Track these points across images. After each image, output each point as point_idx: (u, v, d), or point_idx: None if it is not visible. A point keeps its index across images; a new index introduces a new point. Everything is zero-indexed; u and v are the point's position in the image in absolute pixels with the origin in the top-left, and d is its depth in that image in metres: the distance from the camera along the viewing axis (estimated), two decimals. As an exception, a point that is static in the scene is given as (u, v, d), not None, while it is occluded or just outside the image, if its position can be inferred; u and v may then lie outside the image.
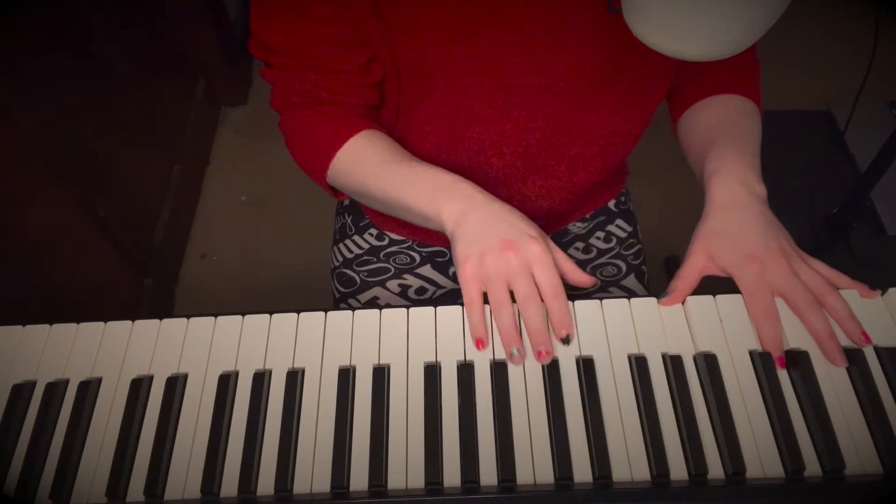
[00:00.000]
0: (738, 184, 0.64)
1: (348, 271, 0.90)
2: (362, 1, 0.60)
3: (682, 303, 0.60)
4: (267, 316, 0.61)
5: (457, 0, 0.59)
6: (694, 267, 0.62)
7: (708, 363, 0.56)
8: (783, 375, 0.56)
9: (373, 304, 0.88)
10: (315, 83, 0.67)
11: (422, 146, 0.73)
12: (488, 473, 0.52)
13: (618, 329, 0.59)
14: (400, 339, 0.59)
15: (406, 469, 0.52)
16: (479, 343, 0.57)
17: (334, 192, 0.73)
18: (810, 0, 1.99)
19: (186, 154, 1.74)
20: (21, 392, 0.57)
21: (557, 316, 0.57)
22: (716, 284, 0.62)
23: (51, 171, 1.18)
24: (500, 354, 0.58)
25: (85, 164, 1.28)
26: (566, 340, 0.57)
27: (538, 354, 0.56)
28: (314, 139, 0.69)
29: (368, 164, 0.67)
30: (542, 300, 0.57)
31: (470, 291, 0.58)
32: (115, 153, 1.42)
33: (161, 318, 0.61)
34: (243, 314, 0.61)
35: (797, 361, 0.56)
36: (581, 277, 0.60)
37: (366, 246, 0.90)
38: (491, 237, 0.58)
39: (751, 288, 0.59)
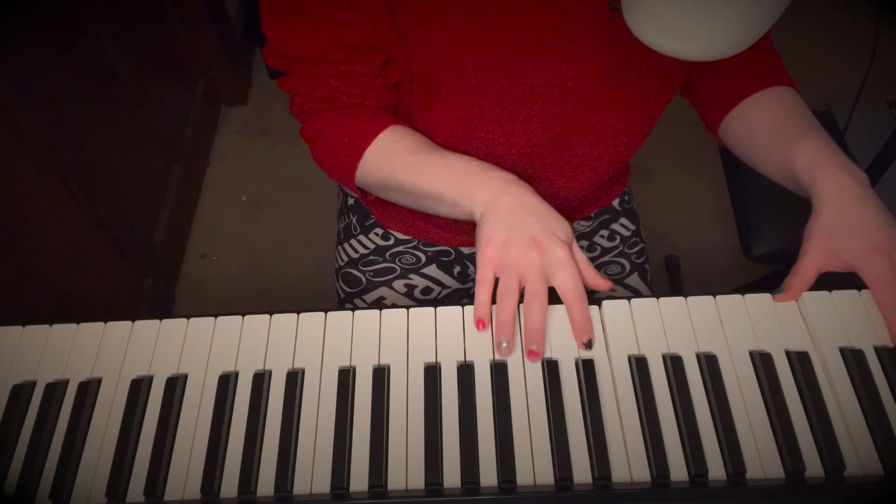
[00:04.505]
0: (845, 174, 0.62)
1: (354, 271, 0.90)
2: (378, 3, 0.60)
3: (686, 302, 0.60)
4: (267, 316, 0.61)
5: (465, 1, 0.59)
6: (812, 264, 0.61)
7: (708, 363, 0.56)
8: (784, 376, 0.56)
9: (379, 304, 0.88)
10: (335, 88, 0.67)
11: None
12: (488, 474, 0.52)
13: (618, 329, 0.59)
14: (400, 339, 0.59)
15: (406, 470, 0.52)
16: (480, 323, 0.58)
17: (363, 193, 0.73)
18: (810, 0, 1.99)
19: (186, 154, 1.73)
20: (21, 392, 0.57)
21: (580, 319, 0.57)
22: (716, 285, 0.61)
23: (51, 171, 1.18)
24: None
25: (85, 164, 1.28)
26: (588, 345, 0.57)
27: (530, 353, 0.56)
28: (341, 140, 0.69)
29: (398, 157, 0.67)
30: (566, 302, 0.58)
31: (484, 271, 0.58)
32: (115, 153, 1.41)
33: (161, 319, 0.61)
34: (243, 314, 0.61)
35: (798, 362, 0.56)
36: (598, 282, 0.61)
37: (371, 246, 0.90)
38: (520, 229, 0.58)
39: (880, 280, 0.59)
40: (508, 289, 0.57)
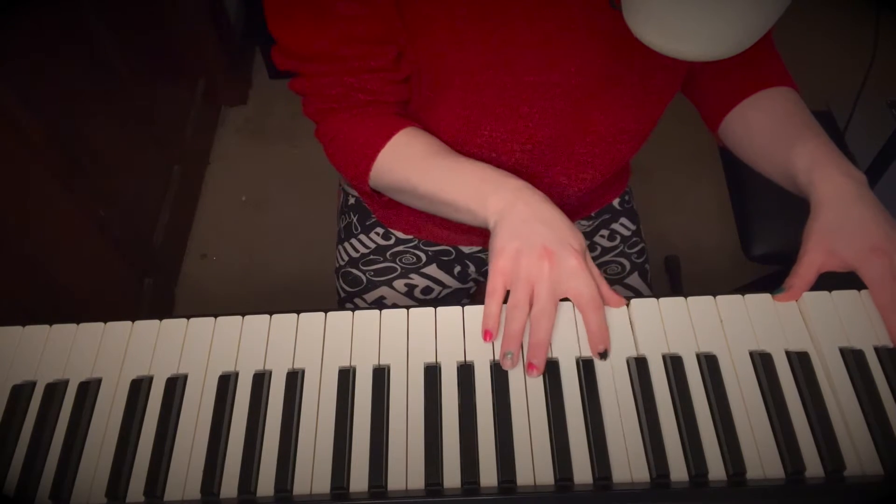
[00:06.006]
0: (843, 175, 0.63)
1: (354, 270, 0.90)
2: (386, 0, 0.60)
3: (686, 302, 0.60)
4: (267, 316, 0.61)
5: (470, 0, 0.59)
6: (811, 264, 0.61)
7: (708, 363, 0.56)
8: (784, 376, 0.56)
9: (379, 303, 0.88)
10: (350, 85, 0.66)
11: None
12: (488, 474, 0.52)
13: (618, 330, 0.59)
14: (400, 339, 0.59)
15: (406, 470, 0.52)
16: (487, 335, 0.57)
17: (377, 195, 0.73)
18: (810, 0, 1.99)
19: (186, 154, 1.73)
20: (21, 392, 0.57)
21: (596, 328, 0.57)
22: (716, 285, 0.61)
23: (51, 171, 1.18)
24: (501, 355, 0.58)
25: (85, 165, 1.28)
26: (603, 355, 0.57)
27: (530, 366, 0.56)
28: (355, 142, 0.68)
29: (412, 161, 0.66)
30: (581, 311, 0.58)
31: (494, 282, 0.58)
32: (115, 153, 1.41)
33: (161, 319, 0.61)
34: (243, 314, 0.61)
35: (798, 362, 0.56)
36: (613, 298, 0.60)
37: (372, 245, 0.90)
38: (532, 239, 0.58)
39: (879, 280, 0.59)
40: (519, 302, 0.57)
